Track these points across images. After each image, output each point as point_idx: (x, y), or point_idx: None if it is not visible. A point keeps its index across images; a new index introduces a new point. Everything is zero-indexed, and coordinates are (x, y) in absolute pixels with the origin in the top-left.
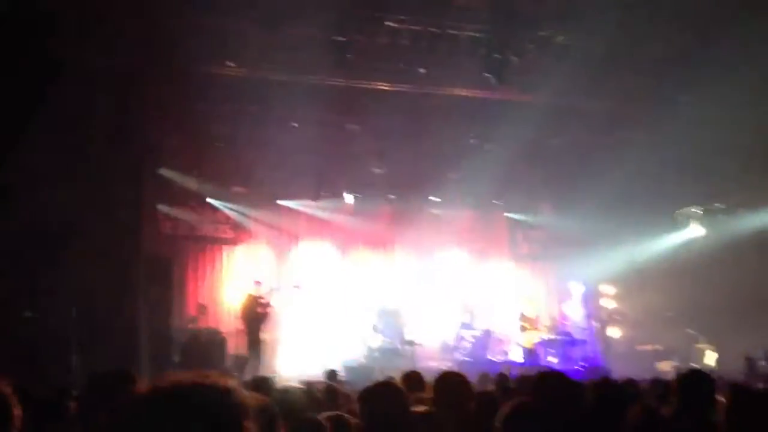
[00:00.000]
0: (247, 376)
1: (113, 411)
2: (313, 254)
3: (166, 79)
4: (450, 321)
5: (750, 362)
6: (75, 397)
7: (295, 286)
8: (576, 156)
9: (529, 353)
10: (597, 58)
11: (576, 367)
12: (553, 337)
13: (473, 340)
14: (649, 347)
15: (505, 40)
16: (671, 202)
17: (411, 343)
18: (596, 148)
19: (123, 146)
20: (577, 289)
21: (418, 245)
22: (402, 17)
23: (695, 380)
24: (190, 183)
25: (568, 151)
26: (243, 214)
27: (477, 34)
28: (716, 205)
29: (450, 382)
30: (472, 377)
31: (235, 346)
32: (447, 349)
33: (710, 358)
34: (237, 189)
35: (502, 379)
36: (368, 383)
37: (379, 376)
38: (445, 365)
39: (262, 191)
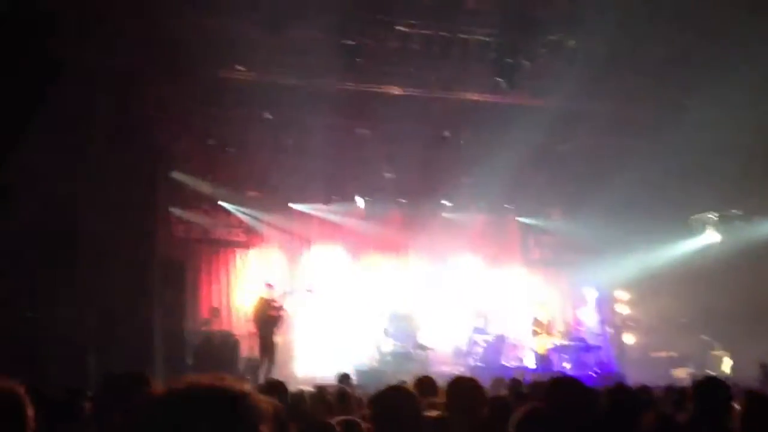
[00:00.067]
0: (260, 380)
1: (129, 412)
2: (325, 258)
3: (170, 80)
4: (463, 326)
5: (765, 369)
6: (90, 397)
7: (307, 290)
8: (587, 160)
9: (543, 359)
10: (608, 62)
11: (590, 373)
12: (566, 342)
13: (486, 345)
14: (663, 354)
15: (516, 45)
16: (685, 208)
17: (423, 347)
18: (608, 152)
19: (125, 147)
20: (591, 295)
21: (430, 250)
22: (413, 21)
23: (711, 387)
24: (203, 186)
25: (579, 155)
26: (255, 217)
27: (488, 39)
28: (732, 211)
29: (463, 387)
30: (486, 382)
31: (248, 349)
32: (460, 354)
33: (727, 365)
34: (251, 193)
35: (515, 385)
36: (380, 387)
37: (392, 381)
38: (458, 370)
39: (275, 195)
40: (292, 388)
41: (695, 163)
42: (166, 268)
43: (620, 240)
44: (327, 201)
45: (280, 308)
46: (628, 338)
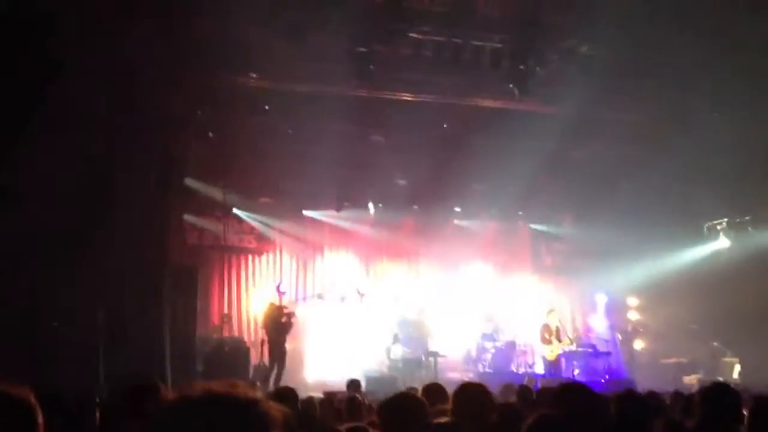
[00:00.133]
0: (271, 386)
1: (141, 418)
2: (337, 265)
3: (185, 86)
4: (473, 333)
5: None
6: (99, 403)
7: (318, 296)
8: (598, 168)
9: (552, 365)
10: (621, 69)
11: (600, 380)
12: (576, 349)
13: (495, 352)
14: (673, 360)
15: (529, 51)
16: (695, 215)
17: (434, 354)
18: (619, 159)
19: (132, 149)
20: (601, 301)
21: (441, 257)
22: (425, 29)
23: (719, 393)
24: (216, 193)
25: (591, 162)
26: (267, 224)
27: (500, 45)
28: (743, 218)
29: (471, 393)
30: (495, 389)
31: (259, 355)
32: (470, 361)
33: (736, 372)
34: (263, 200)
35: (524, 391)
36: (390, 394)
37: (402, 387)
38: (468, 376)
39: (287, 202)
40: (302, 394)
41: (705, 170)
42: (178, 275)
43: (631, 246)
44: (339, 208)
45: (291, 315)
46: (638, 344)
